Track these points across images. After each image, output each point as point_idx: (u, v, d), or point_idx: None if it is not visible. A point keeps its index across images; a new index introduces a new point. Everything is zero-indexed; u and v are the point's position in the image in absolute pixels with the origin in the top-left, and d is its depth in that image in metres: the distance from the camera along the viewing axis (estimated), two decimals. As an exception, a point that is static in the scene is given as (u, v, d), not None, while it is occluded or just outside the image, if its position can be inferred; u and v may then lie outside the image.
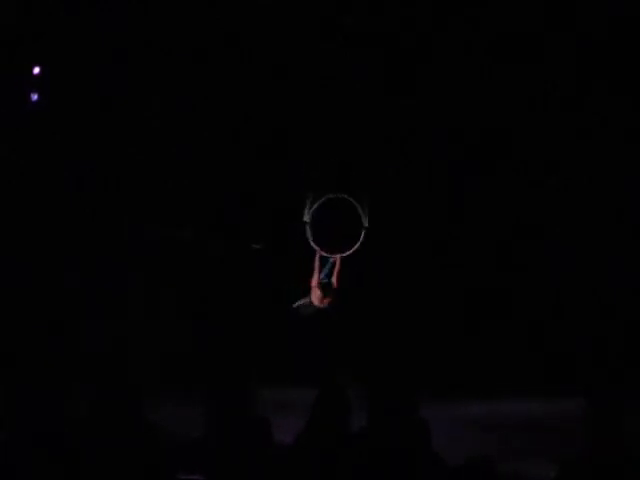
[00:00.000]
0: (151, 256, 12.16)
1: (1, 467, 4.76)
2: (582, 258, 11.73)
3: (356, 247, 10.85)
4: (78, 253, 11.94)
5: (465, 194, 12.12)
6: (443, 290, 11.82)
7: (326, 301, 10.62)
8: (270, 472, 4.97)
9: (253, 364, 9.85)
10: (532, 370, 11.09)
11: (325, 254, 10.84)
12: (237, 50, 12.04)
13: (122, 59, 11.78)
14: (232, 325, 11.89)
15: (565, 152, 11.93)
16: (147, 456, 4.80)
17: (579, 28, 11.64)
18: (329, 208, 11.21)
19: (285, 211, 11.73)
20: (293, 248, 11.46)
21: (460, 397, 10.28)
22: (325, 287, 10.64)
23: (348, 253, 10.81)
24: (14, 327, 10.97)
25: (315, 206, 11.04)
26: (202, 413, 5.24)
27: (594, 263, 11.65)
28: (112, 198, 12.24)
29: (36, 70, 11.64)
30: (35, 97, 11.67)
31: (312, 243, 10.91)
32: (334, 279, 10.70)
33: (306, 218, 11.10)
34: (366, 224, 10.93)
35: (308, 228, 11.01)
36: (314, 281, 10.69)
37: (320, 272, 10.68)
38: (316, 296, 10.62)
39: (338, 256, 10.76)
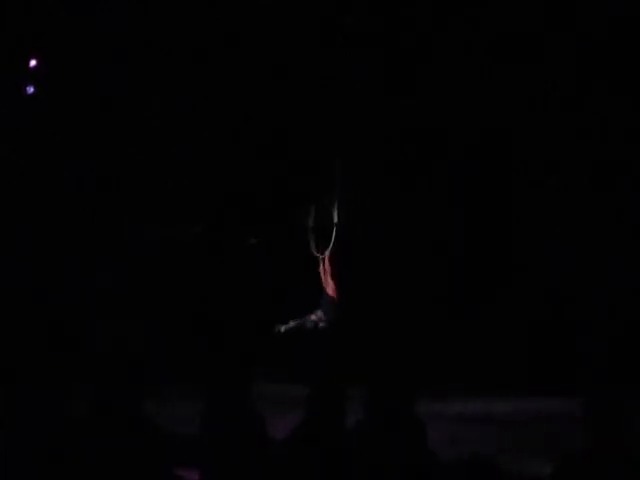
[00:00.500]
0: (150, 254, 12.17)
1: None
2: (582, 255, 11.74)
3: (331, 246, 11.07)
4: (78, 253, 11.94)
5: (464, 192, 12.13)
6: (439, 287, 11.85)
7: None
8: (267, 469, 4.98)
9: (251, 361, 9.96)
10: (531, 367, 11.11)
11: (317, 253, 11.15)
12: (236, 50, 12.07)
13: (121, 54, 11.79)
14: (230, 322, 11.91)
15: (565, 152, 11.95)
16: (144, 452, 4.82)
17: (579, 28, 11.69)
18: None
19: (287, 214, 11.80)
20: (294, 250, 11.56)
21: (458, 394, 10.29)
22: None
23: (326, 253, 11.08)
24: (14, 327, 10.97)
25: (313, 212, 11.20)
26: (199, 410, 5.26)
27: (594, 260, 11.65)
28: (111, 198, 12.26)
29: (33, 63, 11.62)
30: (31, 90, 11.63)
31: (313, 249, 11.20)
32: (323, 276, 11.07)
33: (310, 223, 11.36)
34: (335, 220, 11.13)
35: (311, 233, 11.31)
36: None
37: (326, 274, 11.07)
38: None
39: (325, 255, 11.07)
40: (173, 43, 11.97)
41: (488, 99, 11.91)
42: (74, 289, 11.79)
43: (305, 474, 4.91)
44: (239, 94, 12.12)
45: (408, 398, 4.95)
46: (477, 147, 12.03)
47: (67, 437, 4.91)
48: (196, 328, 11.86)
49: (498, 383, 10.68)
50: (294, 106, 12.09)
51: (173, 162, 12.36)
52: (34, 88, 11.63)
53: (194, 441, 5.23)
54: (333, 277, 11.10)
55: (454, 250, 11.96)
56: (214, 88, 12.20)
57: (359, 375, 5.13)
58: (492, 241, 12.07)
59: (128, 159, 12.36)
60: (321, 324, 10.90)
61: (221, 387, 5.30)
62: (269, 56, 11.99)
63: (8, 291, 11.45)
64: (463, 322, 11.77)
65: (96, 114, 12.16)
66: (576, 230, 11.81)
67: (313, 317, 10.97)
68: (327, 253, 11.09)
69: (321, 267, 11.19)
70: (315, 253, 11.16)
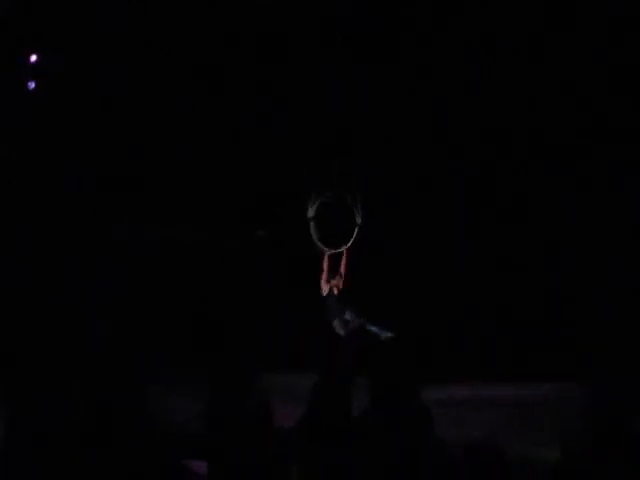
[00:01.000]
0: (152, 250, 12.19)
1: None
2: (582, 248, 11.78)
3: (350, 243, 11.19)
4: (77, 252, 11.94)
5: (465, 191, 12.18)
6: (439, 272, 11.92)
7: (335, 288, 11.16)
8: (272, 457, 4.98)
9: (255, 351, 10.04)
10: (534, 352, 11.13)
11: (328, 249, 11.22)
12: (238, 49, 12.09)
13: (121, 54, 11.80)
14: (234, 313, 11.92)
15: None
16: (150, 441, 4.81)
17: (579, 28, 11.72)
18: (330, 205, 11.38)
19: (288, 208, 11.83)
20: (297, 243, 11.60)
21: (465, 379, 10.31)
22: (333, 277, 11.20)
23: (344, 248, 11.17)
24: (14, 326, 10.96)
25: (317, 203, 11.24)
26: (205, 401, 5.25)
27: (593, 249, 11.70)
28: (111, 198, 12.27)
29: (33, 58, 11.62)
30: (32, 85, 11.63)
31: (316, 240, 11.27)
32: (342, 269, 11.17)
33: (310, 215, 11.37)
34: (359, 221, 11.24)
35: (312, 225, 11.33)
36: (324, 274, 11.21)
37: (328, 267, 11.14)
38: (325, 289, 11.19)
39: (330, 251, 11.18)
40: (172, 34, 12.01)
41: (487, 99, 11.98)
42: (74, 288, 11.79)
43: (309, 462, 4.91)
44: (241, 93, 12.16)
45: (412, 384, 4.95)
46: (483, 146, 12.10)
47: (71, 427, 4.91)
48: (199, 321, 11.88)
49: (504, 368, 10.71)
50: (296, 103, 12.16)
51: (173, 161, 12.40)
52: (35, 83, 11.61)
53: (201, 432, 5.23)
54: (344, 271, 11.20)
55: (459, 245, 12.04)
56: (214, 87, 12.25)
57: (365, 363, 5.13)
58: (493, 236, 12.14)
59: (128, 159, 12.39)
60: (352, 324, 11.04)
61: (227, 378, 5.31)
62: (271, 53, 12.03)
63: (8, 291, 11.45)
64: (468, 307, 11.83)
65: (96, 114, 12.19)
66: (576, 224, 11.87)
67: (346, 317, 11.12)
68: (343, 248, 11.22)
69: (324, 262, 11.25)
70: (322, 247, 11.28)
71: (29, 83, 11.61)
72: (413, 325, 11.15)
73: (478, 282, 11.93)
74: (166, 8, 11.92)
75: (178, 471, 4.80)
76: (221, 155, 12.36)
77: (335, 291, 11.16)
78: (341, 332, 10.98)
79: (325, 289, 11.21)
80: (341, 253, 11.25)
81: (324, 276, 11.21)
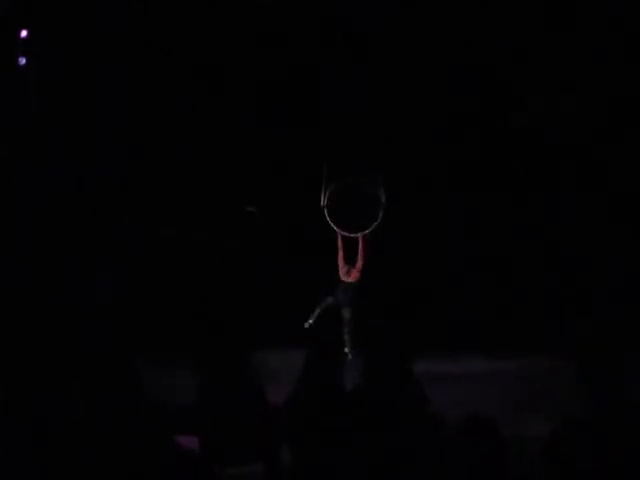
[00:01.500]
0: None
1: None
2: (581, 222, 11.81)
3: (375, 225, 11.38)
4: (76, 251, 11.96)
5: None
6: (442, 247, 11.97)
7: (352, 277, 11.31)
8: (265, 433, 4.96)
9: (247, 329, 10.10)
10: (532, 327, 11.13)
11: (346, 234, 11.40)
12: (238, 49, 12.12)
13: (120, 52, 11.83)
14: (228, 291, 11.94)
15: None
16: (143, 417, 4.79)
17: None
18: (346, 191, 11.59)
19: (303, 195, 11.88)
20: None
21: (460, 354, 10.32)
22: (351, 263, 11.37)
23: (368, 231, 11.34)
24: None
25: (332, 189, 11.34)
26: (198, 379, 5.24)
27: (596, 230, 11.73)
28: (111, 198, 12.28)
29: (24, 34, 11.59)
30: (23, 61, 11.60)
31: (331, 224, 11.44)
32: (360, 256, 11.32)
33: (323, 202, 11.55)
34: (383, 200, 11.41)
35: (326, 211, 11.50)
36: (340, 260, 11.40)
37: (343, 250, 11.35)
38: (343, 272, 11.36)
39: (360, 234, 11.33)
40: (172, 42, 12.04)
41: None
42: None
43: (302, 437, 4.88)
44: (253, 79, 12.19)
45: (407, 357, 4.93)
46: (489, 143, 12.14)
47: (62, 403, 4.89)
48: (193, 301, 11.90)
49: (499, 344, 10.71)
50: (306, 90, 12.18)
51: (173, 161, 12.43)
52: (26, 60, 11.58)
53: (193, 409, 5.21)
54: (363, 254, 11.30)
55: (465, 234, 12.08)
56: (214, 86, 12.28)
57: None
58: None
59: (128, 159, 12.42)
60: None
61: (219, 357, 5.29)
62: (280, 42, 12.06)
63: (7, 290, 11.44)
64: (464, 284, 11.86)
65: (96, 115, 12.21)
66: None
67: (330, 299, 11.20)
68: (368, 231, 11.35)
69: (339, 245, 11.40)
70: (340, 231, 11.41)
71: (20, 59, 11.57)
72: (405, 301, 11.21)
73: (469, 259, 12.00)
74: (165, 7, 11.96)
75: (168, 447, 4.78)
76: (223, 151, 12.39)
77: (351, 277, 11.30)
78: (347, 316, 11.02)
79: (342, 273, 11.35)
80: (358, 238, 11.38)
81: (340, 260, 11.38)
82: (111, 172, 12.27)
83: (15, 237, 11.80)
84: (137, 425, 4.78)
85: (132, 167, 12.41)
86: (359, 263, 11.35)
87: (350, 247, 11.48)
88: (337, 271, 11.45)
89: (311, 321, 11.05)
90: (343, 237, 11.47)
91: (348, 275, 11.36)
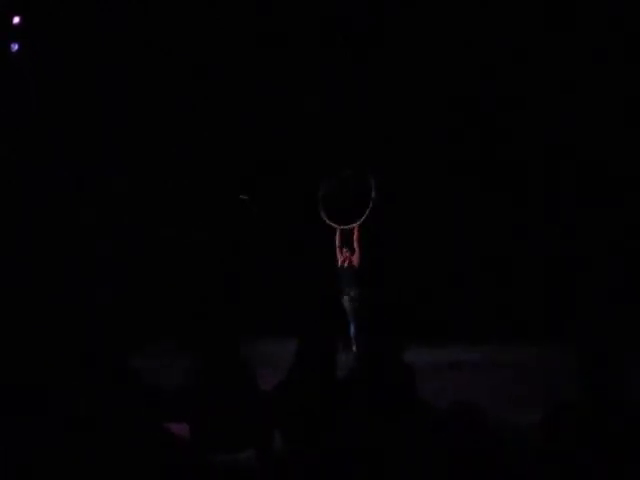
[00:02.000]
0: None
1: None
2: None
3: (364, 217, 11.64)
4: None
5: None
6: (434, 237, 12.03)
7: (348, 265, 11.65)
8: (256, 419, 4.95)
9: (237, 316, 10.17)
10: (524, 316, 11.15)
11: (340, 226, 11.77)
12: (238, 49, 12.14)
13: (120, 51, 11.85)
14: (219, 279, 11.97)
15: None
16: (132, 403, 4.79)
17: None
18: (341, 184, 11.94)
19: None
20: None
21: (450, 342, 10.33)
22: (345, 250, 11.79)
23: (358, 223, 11.62)
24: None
25: (327, 185, 11.55)
26: (188, 362, 5.24)
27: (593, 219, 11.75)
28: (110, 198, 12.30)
29: (16, 20, 11.59)
30: (15, 47, 11.60)
31: (325, 218, 11.85)
32: (355, 245, 11.64)
33: (320, 196, 11.95)
34: (374, 195, 11.69)
35: (321, 206, 11.91)
36: (337, 250, 11.79)
37: (341, 241, 11.77)
38: (341, 261, 11.73)
39: (355, 225, 11.65)
40: (172, 41, 12.06)
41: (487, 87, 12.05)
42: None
43: (294, 426, 4.88)
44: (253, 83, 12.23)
45: (397, 345, 4.92)
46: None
47: (53, 388, 4.90)
48: (182, 286, 11.94)
49: (488, 333, 10.73)
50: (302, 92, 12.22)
51: (173, 160, 12.44)
52: (18, 46, 11.55)
53: (183, 395, 5.20)
54: (358, 243, 11.58)
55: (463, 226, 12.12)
56: (214, 86, 12.30)
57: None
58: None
59: (128, 160, 12.43)
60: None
61: (208, 339, 5.29)
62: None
63: (7, 289, 11.45)
64: (456, 274, 11.89)
65: (96, 115, 12.23)
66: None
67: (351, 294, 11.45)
68: (358, 223, 11.62)
69: (337, 237, 11.78)
70: (331, 223, 11.81)
71: (12, 45, 11.57)
72: (397, 289, 11.25)
73: (464, 252, 12.03)
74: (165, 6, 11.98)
75: (159, 433, 4.78)
76: (222, 151, 12.42)
77: (346, 264, 11.62)
78: (346, 305, 11.30)
79: (339, 261, 11.71)
80: (353, 229, 11.69)
81: (338, 251, 11.78)
82: (111, 172, 12.28)
83: (15, 237, 11.80)
84: (130, 413, 4.79)
85: (132, 167, 12.42)
86: (355, 253, 11.64)
87: (348, 238, 11.82)
88: (336, 260, 11.79)
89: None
90: (341, 229, 11.84)
91: (345, 264, 11.68)
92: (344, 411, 4.77)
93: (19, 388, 4.97)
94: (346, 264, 11.65)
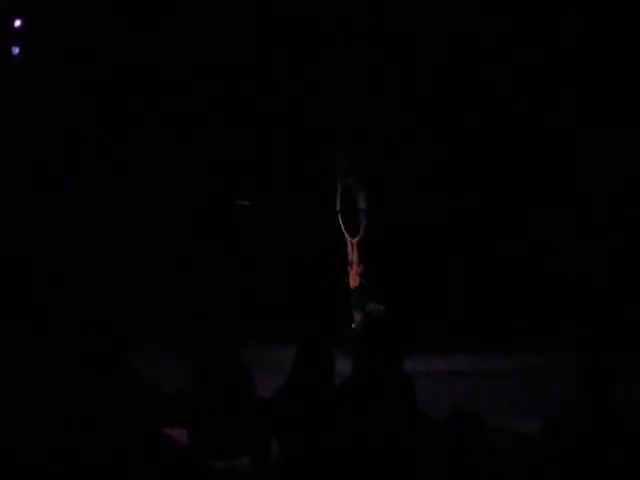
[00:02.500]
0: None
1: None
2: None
3: (361, 233, 11.19)
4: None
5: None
6: (430, 244, 11.98)
7: (354, 281, 11.22)
8: (254, 426, 4.98)
9: (237, 322, 10.14)
10: (519, 323, 11.14)
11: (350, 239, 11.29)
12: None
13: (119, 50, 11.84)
14: (218, 283, 11.98)
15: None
16: (130, 408, 4.81)
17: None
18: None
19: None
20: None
21: (446, 350, 10.32)
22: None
23: (358, 238, 11.20)
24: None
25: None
26: (186, 367, 5.26)
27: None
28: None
29: (17, 23, 11.58)
30: (16, 50, 11.56)
31: (344, 230, 11.31)
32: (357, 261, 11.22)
33: (338, 207, 11.41)
34: (363, 206, 11.24)
35: (340, 216, 11.38)
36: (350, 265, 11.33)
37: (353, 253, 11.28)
38: (350, 276, 11.23)
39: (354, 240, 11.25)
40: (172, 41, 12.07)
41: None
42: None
43: (292, 431, 4.90)
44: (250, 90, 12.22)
45: (394, 354, 4.94)
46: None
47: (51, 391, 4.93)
48: (188, 293, 11.94)
49: (483, 340, 10.72)
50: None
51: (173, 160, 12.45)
52: (19, 49, 11.53)
53: (181, 401, 5.23)
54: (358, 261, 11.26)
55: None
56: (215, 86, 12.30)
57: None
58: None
59: (128, 160, 12.45)
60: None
61: (207, 342, 5.33)
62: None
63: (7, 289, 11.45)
64: (449, 280, 11.88)
65: (96, 116, 12.25)
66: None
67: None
68: (356, 239, 11.27)
69: (350, 251, 11.31)
70: (347, 238, 11.32)
71: (13, 48, 11.54)
72: (397, 297, 11.20)
73: (460, 256, 12.03)
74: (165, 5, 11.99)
75: (158, 439, 4.81)
76: (224, 152, 12.42)
77: (355, 281, 11.21)
78: (357, 323, 10.95)
79: (351, 279, 11.30)
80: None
81: (350, 265, 11.30)
82: (111, 172, 12.29)
83: (15, 237, 11.81)
84: (130, 419, 4.81)
85: (132, 167, 12.43)
86: (356, 267, 11.30)
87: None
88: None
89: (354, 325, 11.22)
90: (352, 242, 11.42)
91: (351, 279, 11.32)
92: (342, 417, 4.79)
93: (19, 388, 5.01)
94: (353, 281, 11.24)
